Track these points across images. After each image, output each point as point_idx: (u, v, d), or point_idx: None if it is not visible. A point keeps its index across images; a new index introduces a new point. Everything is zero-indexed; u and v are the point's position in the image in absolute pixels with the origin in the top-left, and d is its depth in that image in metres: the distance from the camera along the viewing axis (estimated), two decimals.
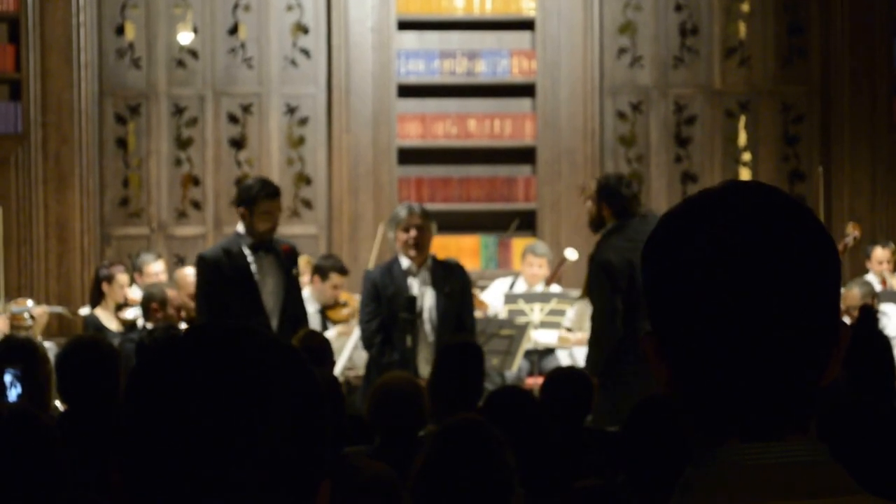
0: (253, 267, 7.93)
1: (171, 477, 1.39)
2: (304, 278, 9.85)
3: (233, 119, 11.79)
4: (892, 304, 10.22)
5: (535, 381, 9.10)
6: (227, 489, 1.39)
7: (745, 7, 12.09)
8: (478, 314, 9.16)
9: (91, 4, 11.42)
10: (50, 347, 7.37)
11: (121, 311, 10.03)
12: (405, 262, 8.07)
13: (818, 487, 1.46)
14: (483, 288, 10.76)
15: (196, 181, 11.77)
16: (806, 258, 1.48)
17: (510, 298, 10.08)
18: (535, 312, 9.88)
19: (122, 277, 10.10)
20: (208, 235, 11.62)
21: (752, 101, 12.12)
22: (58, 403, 5.80)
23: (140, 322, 9.47)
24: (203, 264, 8.02)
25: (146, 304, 9.25)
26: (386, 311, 7.99)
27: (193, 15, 11.71)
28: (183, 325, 9.02)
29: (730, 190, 1.53)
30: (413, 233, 8.04)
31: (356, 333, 8.91)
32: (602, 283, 7.75)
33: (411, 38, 11.85)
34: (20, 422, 3.68)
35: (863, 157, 11.92)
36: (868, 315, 9.30)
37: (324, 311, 10.04)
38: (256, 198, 7.88)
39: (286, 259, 8.04)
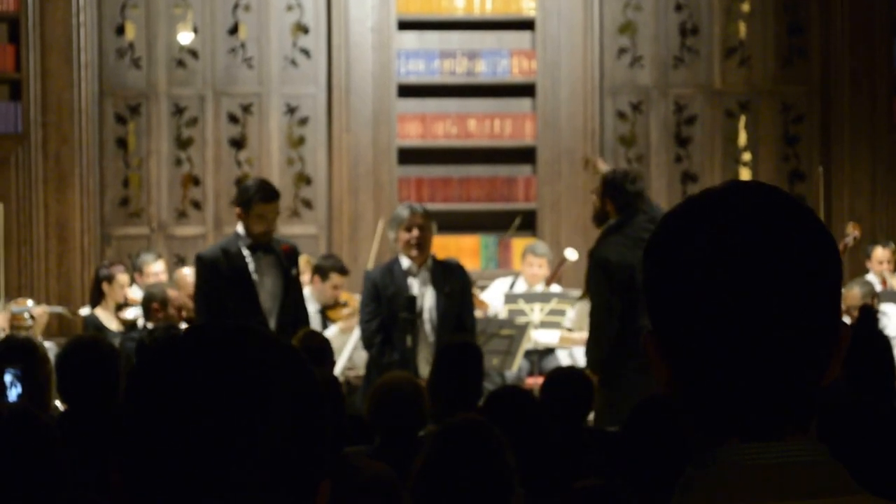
0: (251, 267, 7.93)
1: (171, 477, 1.39)
2: (305, 278, 9.85)
3: (233, 119, 11.79)
4: (893, 304, 10.21)
5: (535, 381, 9.10)
6: (227, 489, 1.39)
7: (745, 7, 12.09)
8: (478, 314, 9.16)
9: (91, 4, 11.42)
10: (50, 347, 7.37)
11: (121, 311, 10.03)
12: (405, 262, 8.08)
13: (818, 487, 1.46)
14: (483, 288, 10.75)
15: (196, 181, 11.77)
16: (806, 258, 1.48)
17: (510, 298, 10.08)
18: (536, 312, 9.88)
19: (122, 277, 10.10)
20: (208, 235, 11.62)
21: (752, 101, 12.12)
22: (58, 403, 5.80)
23: (140, 322, 9.47)
24: (201, 264, 8.02)
25: (147, 304, 9.25)
26: (386, 311, 8.00)
27: (193, 15, 11.71)
28: (184, 325, 9.02)
29: (731, 190, 1.52)
30: (416, 232, 8.04)
31: (356, 333, 8.91)
32: (600, 280, 7.76)
33: (411, 38, 11.85)
34: (20, 422, 3.68)
35: (863, 157, 11.92)
36: (868, 315, 9.30)
37: (324, 311, 10.04)
38: (251, 200, 7.88)
39: (286, 259, 8.03)
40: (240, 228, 8.00)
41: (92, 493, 3.84)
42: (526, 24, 11.90)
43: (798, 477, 1.46)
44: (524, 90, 11.89)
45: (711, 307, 1.47)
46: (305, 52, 11.79)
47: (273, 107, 11.77)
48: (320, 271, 10.12)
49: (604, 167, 9.07)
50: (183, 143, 11.76)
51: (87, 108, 11.40)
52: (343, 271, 10.17)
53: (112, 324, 9.90)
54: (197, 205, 11.78)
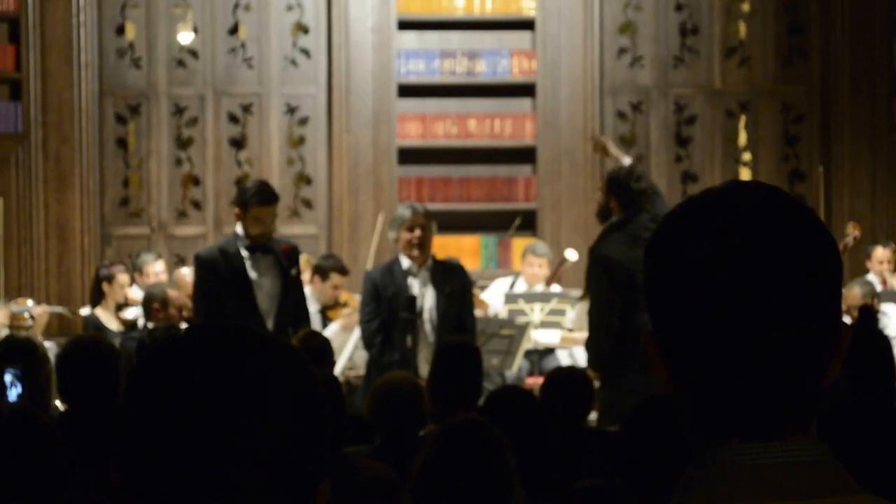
0: (249, 267, 7.92)
1: (171, 477, 1.39)
2: (305, 277, 9.85)
3: (233, 119, 11.79)
4: (893, 304, 10.21)
5: (535, 381, 9.10)
6: (227, 489, 1.39)
7: (746, 7, 12.09)
8: (478, 314, 9.16)
9: (91, 4, 11.43)
10: (50, 347, 7.37)
11: (121, 310, 10.03)
12: (405, 262, 8.08)
13: (818, 487, 1.46)
14: (483, 288, 10.75)
15: (196, 181, 11.77)
16: (807, 258, 1.48)
17: (510, 298, 10.08)
18: (536, 312, 9.88)
19: (122, 277, 10.10)
20: (208, 235, 11.62)
21: (752, 100, 12.12)
22: (58, 403, 5.80)
23: (141, 322, 9.47)
24: (199, 264, 8.02)
25: (148, 304, 9.25)
26: (386, 311, 8.00)
27: (193, 15, 11.71)
28: (184, 325, 9.02)
29: (731, 190, 1.52)
30: (417, 232, 8.05)
31: (356, 333, 8.91)
32: (600, 278, 7.76)
33: (411, 38, 11.85)
34: (20, 422, 3.68)
35: (863, 157, 11.92)
36: (868, 315, 9.29)
37: (324, 311, 10.04)
38: (249, 202, 7.88)
39: (286, 259, 8.03)
40: (239, 229, 8.00)
41: (92, 493, 3.84)
42: (526, 24, 11.90)
43: (798, 477, 1.46)
44: (524, 90, 11.89)
45: (711, 307, 1.47)
46: (305, 52, 11.79)
47: (273, 107, 11.77)
48: (320, 271, 10.12)
49: (613, 149, 8.93)
50: (183, 143, 11.76)
51: (88, 107, 11.40)
52: (343, 271, 10.17)
53: (112, 324, 9.90)
54: (197, 205, 11.78)
